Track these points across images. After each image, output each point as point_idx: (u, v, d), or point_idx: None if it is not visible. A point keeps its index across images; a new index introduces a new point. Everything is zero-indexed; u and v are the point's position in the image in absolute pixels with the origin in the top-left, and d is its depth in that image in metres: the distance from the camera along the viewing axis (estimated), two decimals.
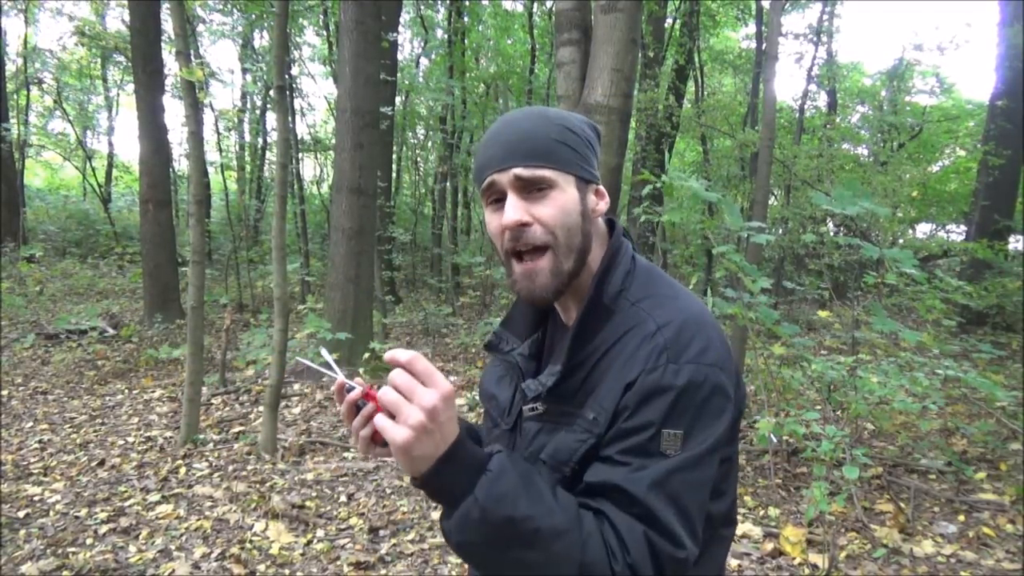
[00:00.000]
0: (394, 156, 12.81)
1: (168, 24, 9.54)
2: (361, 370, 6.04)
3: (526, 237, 0.86)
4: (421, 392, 0.73)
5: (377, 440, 0.89)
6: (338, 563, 2.96)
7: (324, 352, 1.05)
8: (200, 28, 12.82)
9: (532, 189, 0.86)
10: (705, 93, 13.68)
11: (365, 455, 0.90)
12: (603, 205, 0.93)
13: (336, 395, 0.91)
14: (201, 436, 4.50)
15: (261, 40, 14.09)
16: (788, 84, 33.65)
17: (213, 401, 5.48)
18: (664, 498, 0.77)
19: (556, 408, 0.88)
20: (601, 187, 0.94)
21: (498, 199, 0.89)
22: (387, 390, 0.74)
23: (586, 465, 0.83)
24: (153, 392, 5.79)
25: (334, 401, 5.33)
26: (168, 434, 4.68)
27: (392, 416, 0.74)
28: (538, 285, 0.88)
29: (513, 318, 1.04)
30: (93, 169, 16.62)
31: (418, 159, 15.73)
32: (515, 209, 0.86)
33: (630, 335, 0.85)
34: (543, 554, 0.73)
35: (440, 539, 3.20)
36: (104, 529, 3.26)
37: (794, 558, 2.98)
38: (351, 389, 0.91)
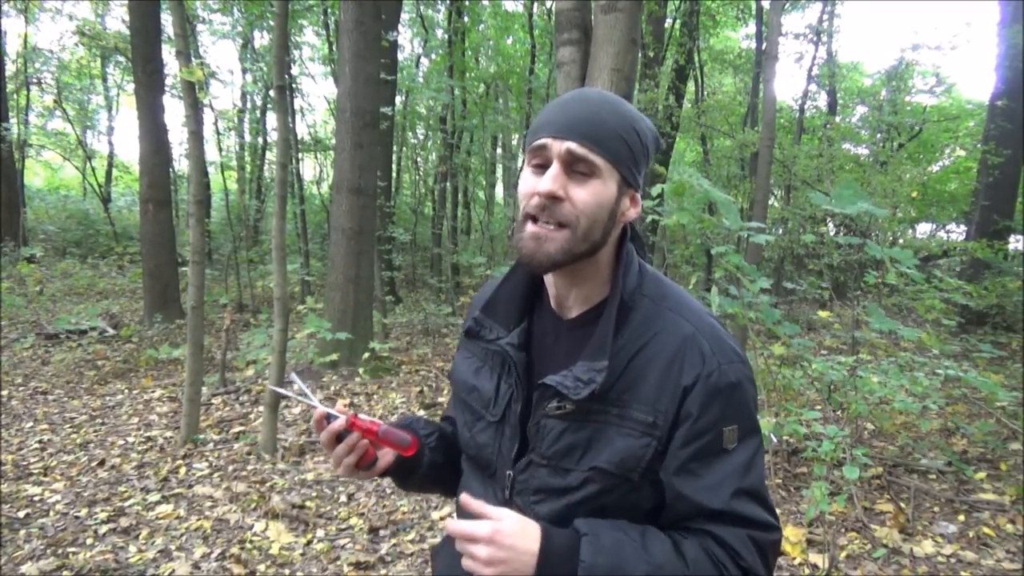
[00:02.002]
0: (394, 156, 12.81)
1: (168, 24, 9.55)
2: (361, 370, 6.04)
3: (552, 210, 0.85)
4: (476, 528, 0.81)
5: (361, 465, 0.95)
6: (338, 563, 2.96)
7: (296, 378, 1.07)
8: (200, 28, 12.81)
9: (577, 168, 0.86)
10: (705, 93, 13.68)
11: (347, 477, 0.94)
12: (633, 212, 0.93)
13: (315, 425, 0.97)
14: (201, 436, 4.50)
15: (261, 40, 14.09)
16: (788, 84, 33.69)
17: (213, 401, 5.47)
18: (746, 497, 0.85)
19: (585, 406, 0.87)
20: (638, 195, 0.94)
21: (541, 164, 0.88)
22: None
23: (652, 466, 0.86)
24: (153, 392, 5.79)
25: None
26: (168, 434, 4.68)
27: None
28: (543, 251, 0.86)
29: (496, 304, 1.00)
30: (93, 169, 16.62)
31: (418, 159, 15.72)
32: (555, 180, 0.84)
33: (665, 336, 0.87)
34: None
35: (440, 539, 3.19)
36: (104, 529, 3.26)
37: (794, 558, 2.98)
38: (333, 418, 0.94)
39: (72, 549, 3.05)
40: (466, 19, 12.13)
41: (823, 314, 6.32)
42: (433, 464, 1.08)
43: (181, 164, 14.49)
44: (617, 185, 0.88)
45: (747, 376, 0.88)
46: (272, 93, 8.19)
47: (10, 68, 13.93)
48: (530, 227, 0.87)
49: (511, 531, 0.80)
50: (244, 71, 14.54)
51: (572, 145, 0.84)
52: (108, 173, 17.37)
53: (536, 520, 0.86)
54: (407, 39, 14.86)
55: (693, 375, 0.84)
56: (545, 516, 0.89)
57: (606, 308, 0.89)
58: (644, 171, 0.93)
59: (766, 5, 10.55)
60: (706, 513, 0.84)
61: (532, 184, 0.87)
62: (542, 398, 0.90)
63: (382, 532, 3.26)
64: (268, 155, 15.01)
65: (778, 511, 3.42)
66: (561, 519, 0.88)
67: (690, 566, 0.81)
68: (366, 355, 6.02)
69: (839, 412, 3.88)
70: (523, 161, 0.92)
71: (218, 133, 13.97)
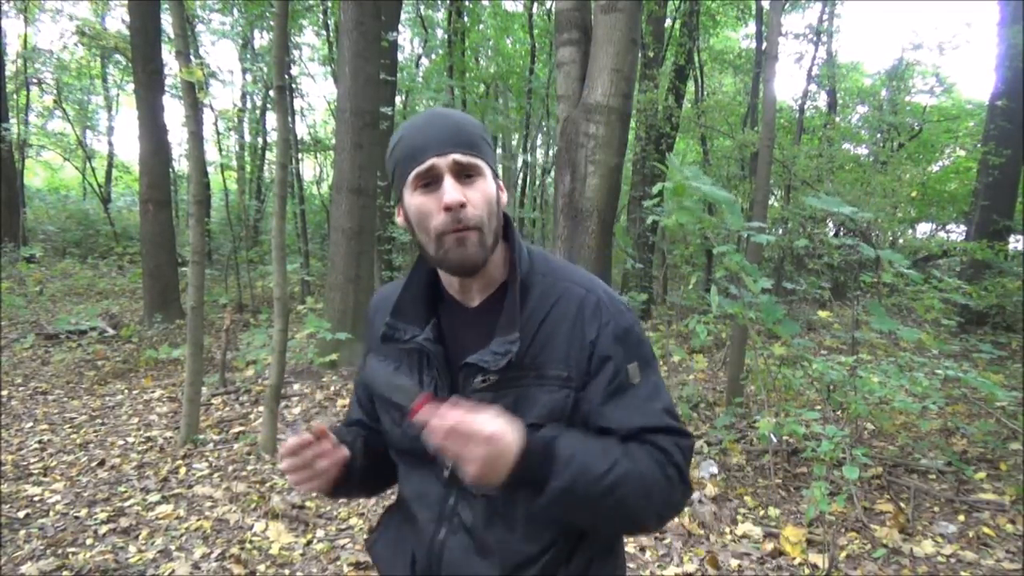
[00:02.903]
0: None
1: (168, 24, 9.55)
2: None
3: (464, 216, 0.94)
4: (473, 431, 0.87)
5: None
6: (338, 563, 2.96)
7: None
8: (200, 28, 12.82)
9: (463, 175, 0.96)
10: (705, 93, 13.67)
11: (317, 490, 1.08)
12: (504, 197, 1.05)
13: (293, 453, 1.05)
14: (201, 436, 4.50)
15: (261, 40, 14.09)
16: (788, 84, 33.68)
17: (213, 401, 5.47)
18: (666, 413, 1.01)
19: (506, 375, 0.97)
20: (501, 182, 1.06)
21: (428, 183, 0.96)
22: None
23: (575, 413, 0.99)
24: (153, 392, 5.79)
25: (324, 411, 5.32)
26: (168, 434, 4.68)
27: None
28: (471, 251, 0.95)
29: (403, 308, 1.07)
30: (93, 169, 16.62)
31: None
32: (456, 190, 0.94)
33: (564, 302, 1.01)
34: (625, 489, 0.93)
35: None
36: (104, 529, 3.26)
37: (794, 558, 2.98)
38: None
39: (72, 549, 3.05)
40: (466, 19, 12.13)
41: (823, 314, 6.33)
42: (363, 468, 1.13)
43: (181, 164, 14.50)
44: (491, 178, 1.00)
45: (636, 320, 1.05)
46: (272, 93, 8.19)
47: (10, 68, 13.92)
48: (449, 237, 0.95)
49: (504, 429, 0.88)
50: (244, 71, 14.55)
51: (456, 156, 0.95)
52: (108, 173, 17.37)
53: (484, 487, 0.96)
54: (407, 39, 14.86)
55: (595, 328, 0.99)
56: None
57: (508, 289, 1.00)
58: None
59: (766, 5, 10.55)
60: (637, 429, 0.98)
61: (434, 202, 0.95)
62: (467, 377, 0.99)
63: None
64: (268, 155, 15.01)
65: (778, 511, 3.43)
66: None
67: (639, 462, 0.95)
68: None
69: (839, 412, 3.88)
70: (403, 191, 1.00)
71: (218, 133, 13.97)
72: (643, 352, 1.03)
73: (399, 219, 1.03)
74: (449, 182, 0.94)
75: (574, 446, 0.93)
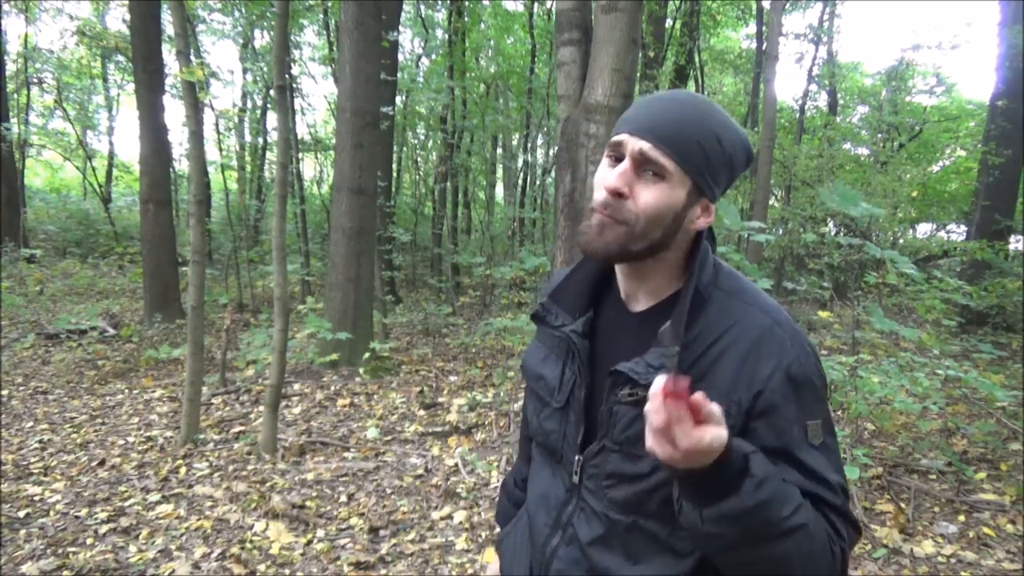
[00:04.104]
0: (394, 156, 12.80)
1: (168, 24, 9.55)
2: (361, 370, 6.04)
3: (615, 206, 0.87)
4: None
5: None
6: (338, 563, 2.96)
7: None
8: (200, 28, 12.81)
9: (648, 168, 0.87)
10: (705, 93, 13.68)
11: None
12: (703, 222, 0.92)
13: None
14: (201, 436, 4.50)
15: (261, 40, 14.09)
16: (788, 84, 33.68)
17: (213, 401, 5.47)
18: (843, 491, 0.87)
19: None
20: (712, 205, 0.93)
21: (616, 157, 0.90)
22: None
23: None
24: (153, 392, 5.79)
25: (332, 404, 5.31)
26: (168, 434, 4.68)
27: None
28: (599, 240, 0.88)
29: (564, 291, 1.01)
30: (93, 169, 16.61)
31: (418, 159, 15.71)
32: (621, 177, 0.87)
33: (741, 327, 0.87)
34: (798, 542, 0.79)
35: (441, 539, 3.20)
36: (104, 529, 3.26)
37: None
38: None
39: (72, 549, 3.05)
40: (466, 19, 12.12)
41: (823, 314, 6.32)
42: None
43: (181, 164, 14.48)
44: (687, 192, 0.88)
45: (822, 374, 0.89)
46: (272, 93, 8.19)
47: (10, 68, 13.93)
48: (594, 216, 0.89)
49: (721, 421, 0.74)
50: (244, 71, 14.55)
51: (645, 146, 0.86)
52: (108, 173, 17.36)
53: (609, 506, 0.90)
54: (407, 39, 14.85)
55: (770, 366, 0.84)
56: (619, 501, 0.91)
57: (680, 299, 0.88)
58: (725, 183, 0.92)
59: (766, 5, 10.55)
60: (812, 496, 0.84)
61: (603, 177, 0.90)
62: (614, 385, 0.89)
63: (382, 532, 3.26)
64: (268, 155, 15.01)
65: None
66: (633, 504, 0.90)
67: (816, 523, 0.82)
68: (366, 355, 6.02)
69: (839, 412, 3.88)
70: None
71: (218, 133, 13.96)
72: (825, 412, 0.89)
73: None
74: (623, 169, 0.87)
75: (767, 470, 0.78)
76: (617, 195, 0.87)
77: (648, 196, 0.86)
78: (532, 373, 1.04)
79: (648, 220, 0.87)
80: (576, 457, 0.95)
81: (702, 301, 0.89)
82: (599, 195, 0.89)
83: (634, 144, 0.87)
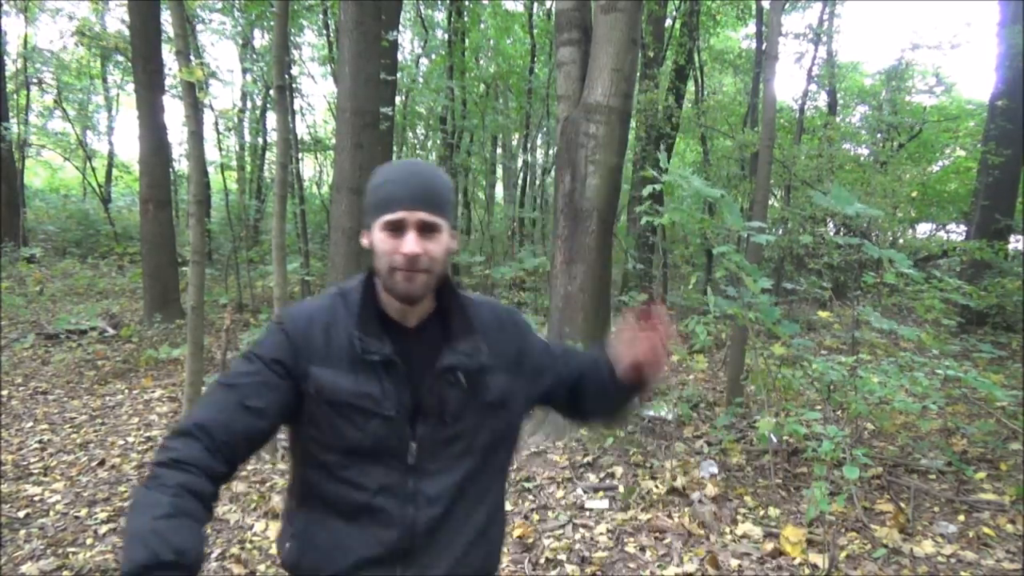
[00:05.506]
0: (394, 156, 12.78)
1: (168, 24, 9.54)
2: None
3: (417, 263, 1.15)
4: None
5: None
6: None
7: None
8: (200, 28, 12.81)
9: (427, 230, 1.15)
10: (705, 93, 13.67)
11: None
12: (454, 245, 1.24)
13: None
14: None
15: (261, 40, 14.09)
16: (788, 84, 33.68)
17: None
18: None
19: (470, 374, 1.21)
20: (455, 231, 1.26)
21: (396, 228, 1.15)
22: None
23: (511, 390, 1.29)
24: (153, 392, 5.79)
25: None
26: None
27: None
28: (416, 288, 1.17)
29: (365, 325, 1.22)
30: (93, 169, 16.60)
31: (418, 159, 15.67)
32: (415, 244, 1.14)
33: (484, 313, 1.29)
34: None
35: None
36: (104, 529, 3.26)
37: (794, 558, 2.98)
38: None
39: (72, 549, 3.05)
40: (466, 19, 12.13)
41: (823, 314, 6.32)
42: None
43: (181, 164, 14.48)
44: (448, 232, 1.20)
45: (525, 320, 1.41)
46: (272, 93, 8.19)
47: (10, 68, 13.92)
48: (399, 275, 1.15)
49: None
50: (244, 71, 14.54)
51: (423, 215, 1.15)
52: (108, 173, 17.35)
53: (445, 464, 1.20)
54: (407, 39, 14.85)
55: (511, 323, 1.33)
56: (456, 454, 1.20)
57: (454, 308, 1.26)
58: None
59: (766, 5, 10.54)
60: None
61: (393, 245, 1.15)
62: (441, 374, 1.19)
63: None
64: (268, 155, 15.00)
65: (778, 511, 3.43)
66: (461, 452, 1.21)
67: None
68: None
69: (839, 412, 3.88)
70: (373, 225, 1.19)
71: (218, 133, 13.96)
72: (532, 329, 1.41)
73: (364, 240, 1.21)
74: (412, 237, 1.14)
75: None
76: (416, 257, 1.14)
77: (435, 248, 1.17)
78: (354, 395, 1.17)
79: (439, 263, 1.18)
80: (411, 444, 1.19)
81: (461, 306, 1.26)
82: (397, 258, 1.14)
83: (413, 217, 1.14)
